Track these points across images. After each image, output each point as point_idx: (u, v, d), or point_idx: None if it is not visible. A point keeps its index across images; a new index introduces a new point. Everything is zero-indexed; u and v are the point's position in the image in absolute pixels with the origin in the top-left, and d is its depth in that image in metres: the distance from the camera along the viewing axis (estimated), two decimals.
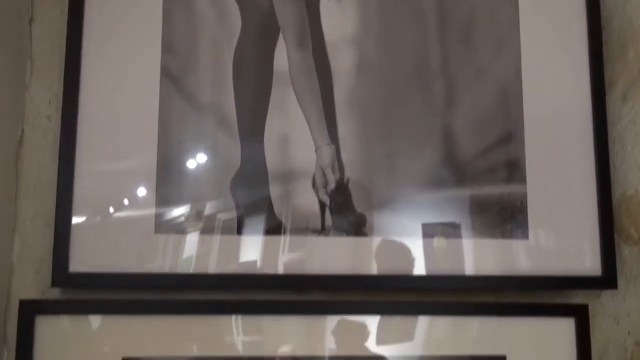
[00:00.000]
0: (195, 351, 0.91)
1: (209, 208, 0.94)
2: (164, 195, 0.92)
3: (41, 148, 0.95)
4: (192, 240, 0.93)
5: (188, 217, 0.93)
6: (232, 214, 0.94)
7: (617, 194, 1.00)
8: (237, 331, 0.92)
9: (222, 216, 0.94)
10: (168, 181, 0.93)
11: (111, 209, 0.92)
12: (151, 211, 0.92)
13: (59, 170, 0.91)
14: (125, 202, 0.92)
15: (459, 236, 0.96)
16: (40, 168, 0.95)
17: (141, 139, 0.93)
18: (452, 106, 0.99)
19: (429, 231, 0.96)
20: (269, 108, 0.96)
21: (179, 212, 0.93)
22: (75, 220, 0.91)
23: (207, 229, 0.93)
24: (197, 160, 0.95)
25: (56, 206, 0.91)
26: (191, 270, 0.92)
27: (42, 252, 0.93)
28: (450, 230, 0.96)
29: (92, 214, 0.91)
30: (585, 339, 0.95)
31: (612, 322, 0.98)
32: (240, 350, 0.91)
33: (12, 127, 0.95)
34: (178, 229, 0.93)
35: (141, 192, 0.93)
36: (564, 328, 0.96)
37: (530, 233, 0.97)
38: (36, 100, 0.96)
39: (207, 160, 0.95)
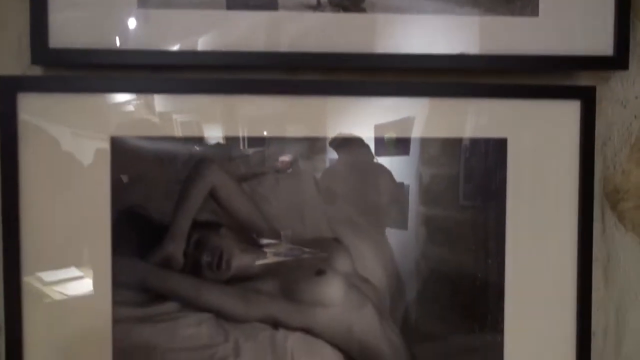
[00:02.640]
0: (187, 132, 0.88)
1: None
2: None
3: None
4: (179, 15, 0.86)
5: None
6: None
7: None
8: (231, 111, 0.88)
9: None
10: None
11: None
12: None
13: None
14: None
15: (465, 13, 0.90)
16: None
17: None
18: None
19: (432, 6, 0.89)
20: None
21: None
22: None
23: (194, 4, 0.86)
24: None
25: None
26: (179, 47, 0.87)
27: (20, 29, 0.87)
28: (455, 6, 0.89)
29: None
30: (590, 123, 0.92)
31: (619, 106, 0.95)
32: (234, 131, 0.88)
33: None
34: (164, 2, 0.86)
35: None
36: (569, 111, 0.92)
37: (541, 10, 0.90)
38: None
39: None
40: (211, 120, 0.88)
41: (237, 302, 0.89)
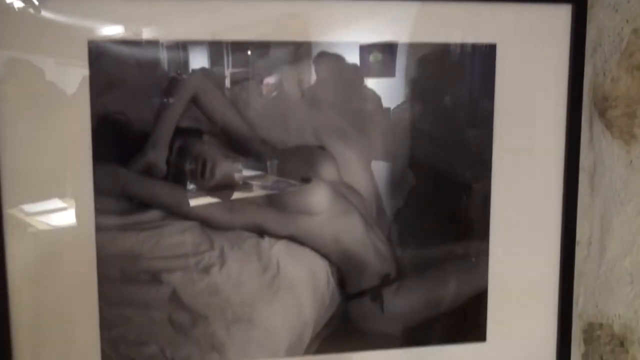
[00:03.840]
0: (168, 36, 0.85)
1: None
2: None
3: None
4: None
5: None
6: None
7: None
8: (214, 14, 0.85)
9: None
10: None
11: None
12: None
13: None
14: None
15: None
16: None
17: None
18: None
19: None
20: None
21: None
22: None
23: None
24: None
25: None
26: None
27: None
28: None
29: None
30: (581, 28, 0.91)
31: (610, 11, 0.92)
32: (218, 35, 0.85)
33: None
34: None
35: None
36: (559, 16, 0.90)
37: None
38: None
39: None
40: (194, 24, 0.85)
41: (222, 210, 0.88)
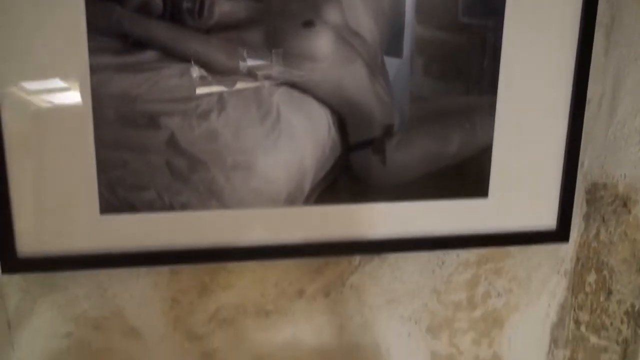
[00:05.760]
0: None
1: None
2: None
3: None
4: None
5: None
6: None
7: None
8: None
9: None
10: None
11: None
12: None
13: None
14: None
15: None
16: None
17: None
18: None
19: None
20: None
21: None
22: None
23: None
24: None
25: None
26: None
27: None
28: None
29: None
30: None
31: None
32: None
33: None
34: None
35: None
36: None
37: None
38: None
39: None
40: None
41: (220, 54, 0.84)
